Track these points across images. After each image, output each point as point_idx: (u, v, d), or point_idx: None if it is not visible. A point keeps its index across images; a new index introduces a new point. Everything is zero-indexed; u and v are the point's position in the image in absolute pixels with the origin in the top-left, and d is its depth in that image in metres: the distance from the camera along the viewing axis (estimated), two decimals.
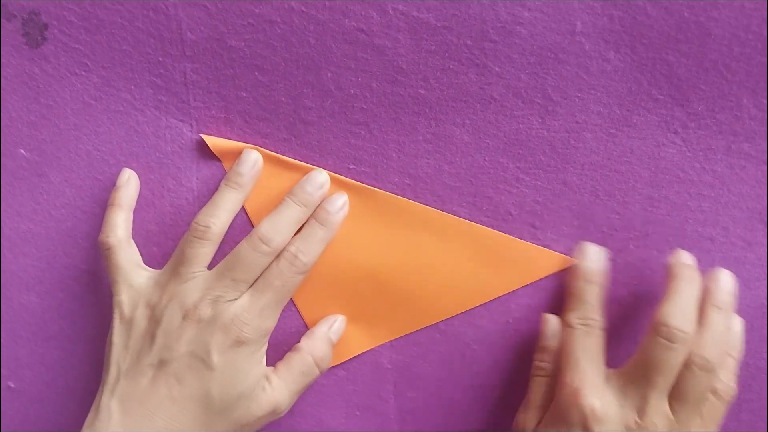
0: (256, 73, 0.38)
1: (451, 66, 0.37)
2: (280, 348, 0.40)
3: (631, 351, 0.40)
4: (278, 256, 0.36)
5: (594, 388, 0.35)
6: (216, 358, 0.35)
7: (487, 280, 0.39)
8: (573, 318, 0.37)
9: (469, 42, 0.37)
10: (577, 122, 0.37)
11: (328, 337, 0.39)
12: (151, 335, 0.36)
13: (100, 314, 0.42)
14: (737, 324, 0.37)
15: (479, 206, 0.39)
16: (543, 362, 0.38)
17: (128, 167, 0.39)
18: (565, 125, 0.38)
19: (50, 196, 0.40)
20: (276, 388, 0.37)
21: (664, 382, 0.34)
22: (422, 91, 0.38)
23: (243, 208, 0.39)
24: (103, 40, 0.38)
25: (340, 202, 0.38)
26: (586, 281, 0.37)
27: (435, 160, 0.39)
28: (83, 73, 0.38)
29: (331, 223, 0.38)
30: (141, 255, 0.40)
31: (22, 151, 0.40)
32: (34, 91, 0.39)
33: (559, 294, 0.40)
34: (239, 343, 0.35)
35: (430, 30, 0.36)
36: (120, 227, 0.38)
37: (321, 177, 0.38)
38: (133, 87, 0.39)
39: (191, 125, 0.39)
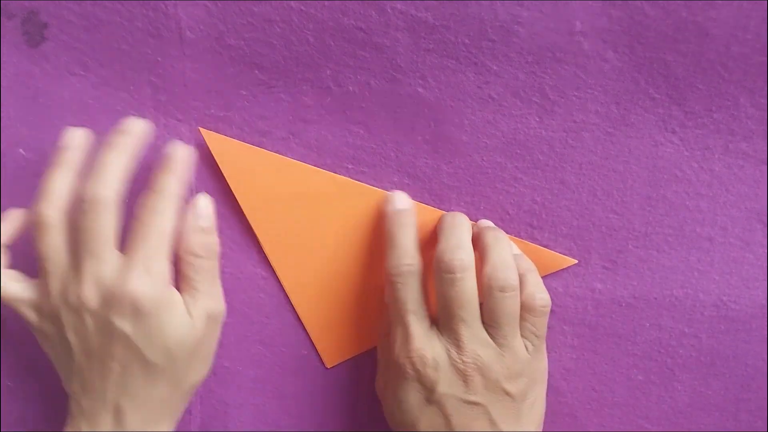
0: (256, 72, 0.38)
1: (450, 65, 0.37)
2: (276, 347, 0.40)
3: (632, 351, 0.40)
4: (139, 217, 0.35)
5: (418, 338, 0.35)
6: (129, 329, 0.33)
7: None
8: (389, 268, 0.36)
9: (467, 41, 0.37)
10: (575, 122, 0.37)
11: (197, 226, 0.36)
12: (64, 339, 0.35)
13: None
14: (514, 248, 0.38)
15: (477, 205, 0.39)
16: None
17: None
18: (563, 125, 0.38)
19: None
20: (195, 306, 0.36)
21: (468, 313, 0.34)
22: (421, 90, 0.38)
23: (242, 209, 0.39)
24: (102, 39, 0.38)
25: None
26: (397, 224, 0.37)
27: (433, 159, 0.39)
28: (82, 72, 0.38)
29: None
30: None
31: (21, 150, 0.40)
32: (33, 90, 0.39)
33: (559, 294, 0.40)
34: (139, 312, 0.33)
35: (429, 29, 0.37)
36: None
37: (137, 123, 0.36)
38: (132, 86, 0.39)
39: (190, 125, 0.39)
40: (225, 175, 0.39)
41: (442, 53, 0.37)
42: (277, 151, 0.39)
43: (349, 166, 0.39)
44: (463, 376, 0.34)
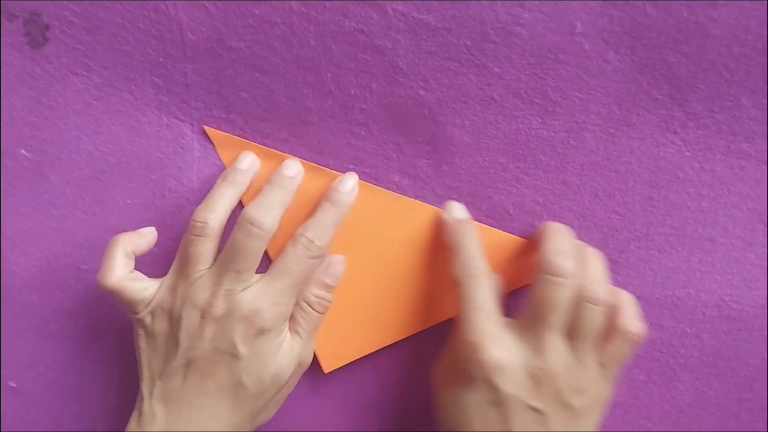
0: (257, 74, 0.38)
1: (451, 67, 0.37)
2: None
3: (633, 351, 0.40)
4: (293, 240, 0.36)
5: (492, 338, 0.34)
6: (242, 348, 0.35)
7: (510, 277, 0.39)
8: (459, 273, 0.36)
9: (468, 43, 0.37)
10: (576, 122, 0.37)
11: (321, 281, 0.38)
12: (174, 338, 0.36)
13: (100, 314, 0.42)
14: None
15: (479, 206, 0.39)
16: None
17: (129, 167, 0.40)
18: (564, 125, 0.38)
19: (51, 196, 0.40)
20: (295, 349, 0.38)
21: (557, 320, 0.34)
22: (422, 92, 0.38)
23: (241, 204, 0.39)
24: (104, 40, 0.38)
25: (351, 182, 0.38)
26: (461, 232, 0.37)
27: (434, 160, 0.39)
28: (84, 73, 0.38)
29: (342, 203, 0.38)
30: (141, 255, 0.40)
31: (23, 151, 0.40)
32: (35, 91, 0.39)
33: None
34: (261, 331, 0.35)
35: (430, 31, 0.37)
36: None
37: (295, 166, 0.38)
38: (134, 87, 0.39)
39: (192, 125, 0.39)
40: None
41: (443, 55, 0.37)
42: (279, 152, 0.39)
43: (351, 167, 0.39)
44: (534, 381, 0.34)
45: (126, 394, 0.42)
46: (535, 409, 0.34)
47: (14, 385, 0.42)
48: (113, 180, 0.40)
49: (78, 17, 0.38)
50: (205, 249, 0.36)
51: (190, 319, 0.36)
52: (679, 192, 0.38)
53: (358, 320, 0.40)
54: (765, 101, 0.36)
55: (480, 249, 0.37)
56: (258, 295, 0.36)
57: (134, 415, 0.37)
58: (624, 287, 0.39)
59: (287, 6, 0.37)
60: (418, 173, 0.39)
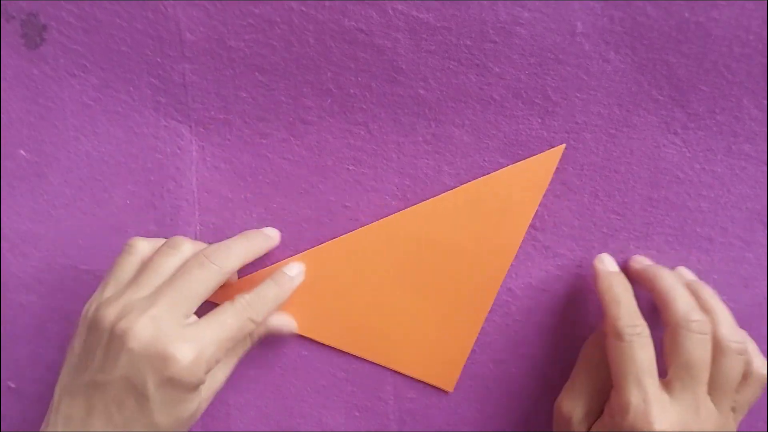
0: (256, 73, 0.38)
1: (451, 66, 0.37)
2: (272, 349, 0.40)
3: None
4: (232, 300, 0.35)
5: (659, 405, 0.33)
6: (152, 392, 0.32)
7: (495, 238, 0.39)
8: (621, 327, 0.34)
9: (468, 42, 0.36)
10: (576, 123, 0.37)
11: (285, 326, 0.40)
12: (91, 351, 0.33)
13: None
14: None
15: None
16: (595, 347, 0.37)
17: (127, 168, 0.39)
18: (564, 126, 0.37)
19: (50, 197, 0.40)
20: (217, 380, 0.36)
21: (705, 376, 0.34)
22: (422, 92, 0.38)
23: None
24: (101, 41, 0.38)
25: (296, 269, 0.39)
26: (618, 285, 0.36)
27: (434, 160, 0.39)
28: (82, 74, 0.38)
29: (285, 285, 0.38)
30: None
31: (21, 151, 0.40)
32: (33, 92, 0.39)
33: (559, 296, 0.40)
34: (174, 384, 0.32)
35: (430, 30, 0.36)
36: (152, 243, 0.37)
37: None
38: (131, 88, 0.38)
39: (190, 126, 0.39)
40: None
41: (443, 55, 0.37)
42: (278, 153, 0.39)
43: (350, 168, 0.39)
44: None
45: None
46: None
47: (14, 386, 0.43)
48: (112, 180, 0.40)
49: (75, 18, 0.37)
50: (169, 266, 0.35)
51: (113, 337, 0.32)
52: (678, 192, 0.38)
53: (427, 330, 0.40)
54: (766, 102, 0.36)
55: (636, 305, 0.36)
56: (185, 337, 0.32)
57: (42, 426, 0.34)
58: None
59: (287, 5, 0.36)
60: (418, 173, 0.39)
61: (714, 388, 0.34)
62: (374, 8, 0.36)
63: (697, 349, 0.34)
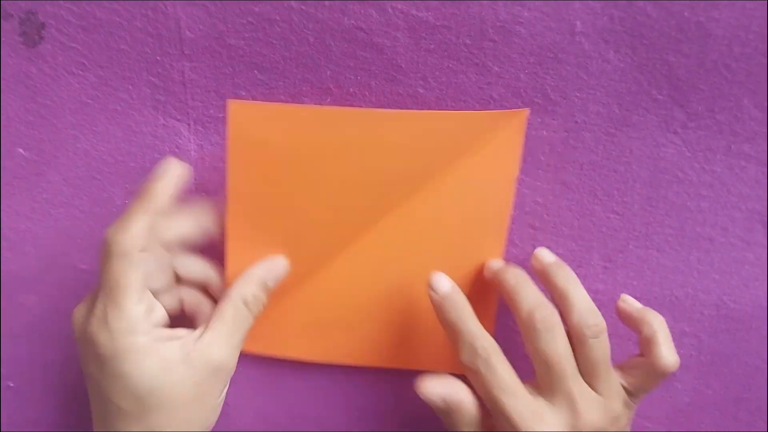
0: (255, 72, 0.38)
1: (450, 65, 0.37)
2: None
3: (633, 351, 0.40)
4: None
5: (533, 419, 0.33)
6: (92, 369, 0.33)
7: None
8: (465, 357, 0.34)
9: (468, 41, 0.36)
10: (576, 122, 0.37)
11: (262, 281, 0.36)
12: None
13: None
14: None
15: None
16: None
17: (126, 167, 0.39)
18: (564, 125, 0.37)
19: (49, 196, 0.40)
20: (212, 345, 0.33)
21: (573, 368, 0.33)
22: (421, 90, 0.37)
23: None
24: (100, 39, 0.38)
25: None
26: (451, 308, 0.35)
27: None
28: (80, 72, 0.38)
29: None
30: None
31: (20, 150, 0.40)
32: (31, 90, 0.39)
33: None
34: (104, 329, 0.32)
35: (430, 29, 0.36)
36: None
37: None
38: (130, 86, 0.38)
39: (189, 125, 0.39)
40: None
41: (442, 54, 0.37)
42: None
43: None
44: None
45: None
46: None
47: (13, 385, 0.43)
48: (111, 179, 0.40)
49: (74, 16, 0.37)
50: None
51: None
52: (678, 192, 0.38)
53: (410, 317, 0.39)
54: (766, 102, 0.36)
55: (477, 321, 0.34)
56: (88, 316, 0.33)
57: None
58: (623, 287, 0.40)
59: (286, 4, 0.36)
60: None
61: (586, 374, 0.34)
62: (374, 7, 0.36)
63: (549, 345, 0.33)
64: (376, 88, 0.38)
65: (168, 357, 0.32)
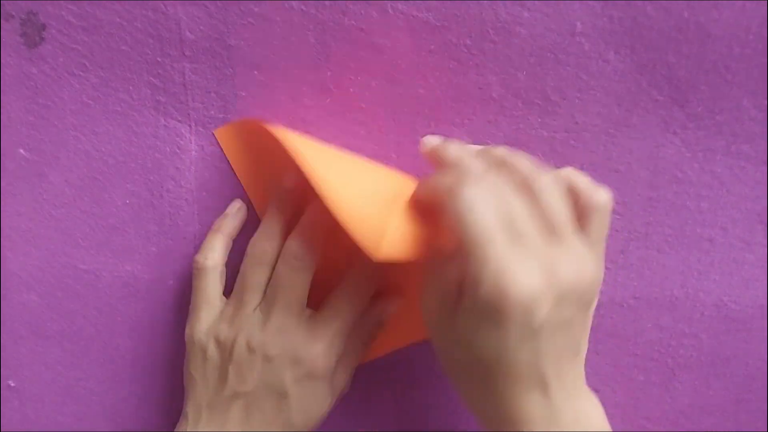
0: (255, 73, 0.38)
1: (451, 66, 0.37)
2: None
3: (632, 351, 0.40)
4: (341, 285, 0.37)
5: (514, 263, 0.28)
6: (291, 389, 0.35)
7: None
8: (439, 188, 0.31)
9: (468, 42, 0.36)
10: (576, 122, 0.37)
11: (379, 320, 0.39)
12: (224, 369, 0.36)
13: (99, 314, 0.42)
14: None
15: None
16: None
17: (127, 168, 0.39)
18: (564, 125, 0.37)
19: (50, 196, 0.40)
20: (341, 382, 0.38)
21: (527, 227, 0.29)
22: (421, 91, 0.38)
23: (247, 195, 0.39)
24: (101, 40, 0.38)
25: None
26: (443, 148, 0.33)
27: None
28: (81, 73, 0.38)
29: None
30: (140, 255, 0.40)
31: (21, 151, 0.40)
32: (32, 91, 0.39)
33: None
34: (312, 376, 0.36)
35: (430, 29, 0.36)
36: (217, 252, 0.38)
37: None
38: (131, 87, 0.38)
39: (190, 126, 0.39)
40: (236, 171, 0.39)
41: (443, 54, 0.37)
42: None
43: None
44: (558, 298, 0.29)
45: (125, 394, 0.43)
46: (566, 321, 0.30)
47: (13, 385, 0.43)
48: (111, 180, 0.40)
49: (75, 17, 0.37)
50: (265, 278, 0.36)
51: (240, 352, 0.36)
52: (678, 192, 0.38)
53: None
54: (765, 102, 0.36)
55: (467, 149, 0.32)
56: (311, 336, 0.36)
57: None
58: (623, 287, 0.40)
59: (287, 4, 0.36)
60: (418, 173, 0.39)
61: (546, 232, 0.30)
62: (374, 7, 0.36)
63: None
64: (377, 88, 0.38)
65: (337, 384, 0.38)
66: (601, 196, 0.31)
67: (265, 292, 0.37)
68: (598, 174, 0.38)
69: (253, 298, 0.37)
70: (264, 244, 0.36)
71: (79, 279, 0.41)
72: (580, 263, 0.30)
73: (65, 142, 0.39)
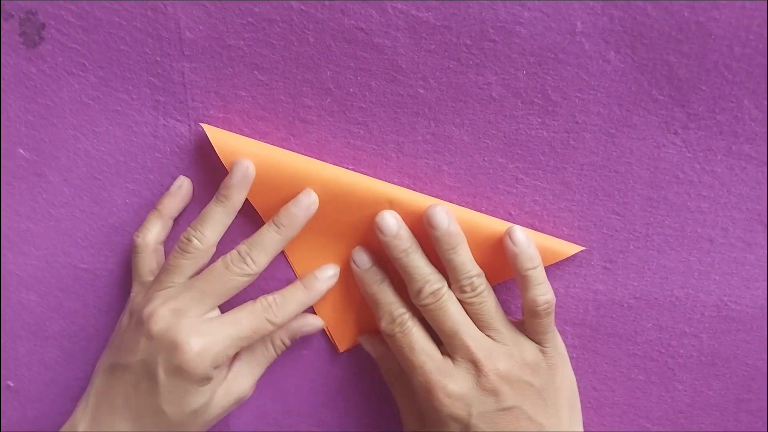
0: (255, 72, 0.38)
1: (451, 65, 0.37)
2: None
3: (632, 351, 0.40)
4: (254, 301, 0.37)
5: (439, 374, 0.36)
6: (161, 376, 0.35)
7: (492, 270, 0.38)
8: (384, 327, 0.38)
9: (468, 41, 0.36)
10: (576, 122, 0.37)
11: (295, 333, 0.40)
12: (122, 338, 0.37)
13: (99, 313, 0.42)
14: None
15: (478, 206, 0.39)
16: None
17: (126, 167, 0.39)
18: (564, 125, 0.37)
19: (49, 196, 0.40)
20: (238, 386, 0.38)
21: (464, 324, 0.36)
22: (421, 91, 0.37)
23: (252, 206, 0.39)
24: (100, 39, 0.38)
25: (331, 272, 0.39)
26: (368, 282, 0.38)
27: (434, 160, 0.38)
28: (81, 72, 0.38)
29: (315, 289, 0.38)
30: None
31: (21, 150, 0.40)
32: (31, 90, 0.39)
33: (560, 295, 0.40)
34: (181, 372, 0.34)
35: (430, 29, 0.36)
36: (151, 232, 0.39)
37: (308, 198, 0.37)
38: (130, 87, 0.38)
39: (189, 125, 0.39)
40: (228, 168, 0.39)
41: (443, 54, 0.37)
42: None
43: (350, 167, 0.39)
44: (494, 393, 0.35)
45: None
46: (508, 408, 0.35)
47: (12, 385, 0.43)
48: (111, 179, 0.40)
49: (74, 16, 0.37)
50: (183, 263, 0.37)
51: (135, 326, 0.36)
52: (678, 193, 0.38)
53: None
54: (766, 102, 0.36)
55: (394, 292, 0.38)
56: (197, 331, 0.35)
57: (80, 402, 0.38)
58: (623, 287, 0.39)
59: (286, 4, 0.36)
60: (418, 173, 0.39)
61: (483, 328, 0.36)
62: (374, 7, 0.36)
63: (436, 320, 0.36)
64: (377, 88, 0.38)
65: (228, 388, 0.38)
66: (545, 300, 0.36)
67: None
68: (598, 174, 0.38)
69: (167, 280, 0.36)
70: (191, 233, 0.37)
71: (79, 279, 0.41)
72: (502, 348, 0.36)
73: (65, 141, 0.39)
